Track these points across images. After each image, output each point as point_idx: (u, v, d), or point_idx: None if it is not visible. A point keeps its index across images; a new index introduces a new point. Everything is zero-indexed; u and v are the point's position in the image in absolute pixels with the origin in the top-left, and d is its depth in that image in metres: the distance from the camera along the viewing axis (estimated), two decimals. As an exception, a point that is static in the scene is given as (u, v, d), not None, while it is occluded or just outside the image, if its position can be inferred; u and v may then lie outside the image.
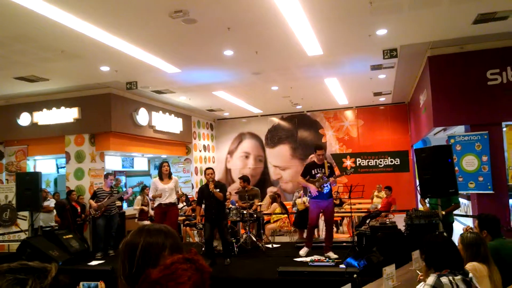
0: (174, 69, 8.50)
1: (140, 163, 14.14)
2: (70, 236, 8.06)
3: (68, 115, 10.11)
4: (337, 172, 7.43)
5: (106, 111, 9.93)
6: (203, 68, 8.74)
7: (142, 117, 10.91)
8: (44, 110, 10.31)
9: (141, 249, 1.33)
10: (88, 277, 5.98)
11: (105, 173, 9.16)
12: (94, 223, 8.48)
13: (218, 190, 6.92)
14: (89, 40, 6.63)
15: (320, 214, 6.98)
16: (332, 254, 6.55)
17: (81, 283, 3.15)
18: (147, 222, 9.18)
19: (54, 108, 10.24)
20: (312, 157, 14.47)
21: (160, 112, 11.91)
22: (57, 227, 8.77)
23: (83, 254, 7.94)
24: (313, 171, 6.68)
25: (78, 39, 6.59)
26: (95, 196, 8.37)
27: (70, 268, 7.10)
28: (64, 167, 10.89)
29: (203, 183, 8.43)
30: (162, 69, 8.45)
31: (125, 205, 11.64)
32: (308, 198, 7.51)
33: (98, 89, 9.91)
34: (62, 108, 10.17)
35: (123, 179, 13.67)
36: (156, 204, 7.60)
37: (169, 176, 7.68)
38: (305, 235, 8.94)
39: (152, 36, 6.73)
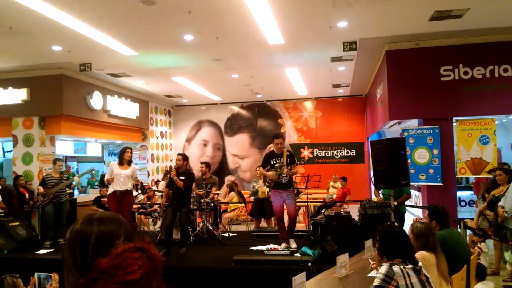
0: (131, 52, 8.21)
1: (94, 149, 13.67)
2: (17, 223, 7.68)
3: (16, 96, 9.56)
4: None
5: (58, 93, 9.47)
6: (162, 52, 8.50)
7: (96, 100, 10.50)
8: (-10, 90, 9.71)
9: (95, 238, 1.26)
10: (36, 266, 5.72)
11: (54, 158, 8.76)
12: (42, 210, 8.11)
13: (182, 178, 6.86)
14: (39, 17, 6.25)
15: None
16: (292, 243, 6.55)
17: (36, 274, 2.97)
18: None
19: (0, 88, 9.66)
20: (271, 147, 14.57)
21: (116, 96, 11.51)
22: (2, 214, 8.33)
23: (30, 242, 7.59)
24: (271, 161, 6.62)
25: (28, 16, 6.21)
26: (44, 182, 7.99)
27: (17, 257, 6.77)
28: (11, 151, 10.33)
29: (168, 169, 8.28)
30: (119, 51, 8.13)
31: (76, 192, 11.25)
32: (268, 189, 7.56)
33: (49, 70, 9.43)
34: (10, 88, 9.60)
35: (74, 165, 13.19)
36: (110, 190, 7.32)
37: (129, 163, 7.45)
38: (261, 224, 8.99)
39: (109, 16, 6.45)
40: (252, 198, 9.40)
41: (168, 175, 7.33)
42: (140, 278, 0.89)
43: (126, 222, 1.37)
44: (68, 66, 9.23)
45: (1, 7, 5.87)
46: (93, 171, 9.20)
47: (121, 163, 7.35)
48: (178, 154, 7.28)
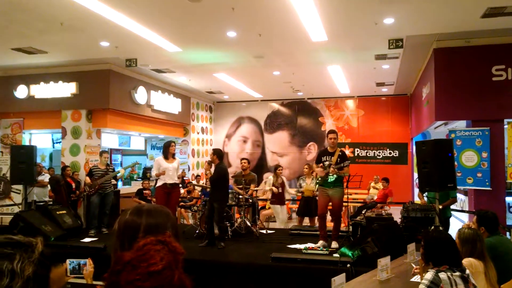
0: (175, 48, 8.35)
1: (137, 142, 14.05)
2: (64, 212, 8.00)
3: (65, 89, 9.97)
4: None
5: (104, 88, 9.79)
6: (205, 49, 8.59)
7: (140, 95, 10.78)
8: (42, 83, 10.15)
9: (144, 230, 1.30)
10: (80, 254, 5.95)
11: (100, 150, 9.06)
12: (88, 200, 8.42)
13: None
14: (89, 13, 6.47)
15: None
16: (334, 244, 6.45)
17: (67, 260, 3.08)
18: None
19: (51, 82, 10.09)
20: (311, 145, 14.45)
21: (159, 91, 11.77)
22: (51, 202, 8.71)
23: (76, 230, 7.89)
24: (322, 158, 6.55)
25: (78, 12, 6.43)
26: (91, 173, 8.30)
27: (63, 244, 7.06)
28: (59, 142, 10.79)
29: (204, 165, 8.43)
30: (163, 48, 8.29)
31: (120, 183, 11.61)
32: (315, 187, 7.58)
33: (97, 65, 9.75)
34: (60, 82, 10.01)
35: (118, 157, 13.61)
36: (159, 183, 7.49)
37: (173, 156, 7.64)
38: (304, 223, 8.90)
39: (155, 13, 6.58)
40: (294, 196, 9.26)
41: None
42: (163, 269, 0.92)
43: (173, 215, 1.40)
44: (114, 61, 9.51)
45: (53, 3, 6.11)
46: (136, 165, 9.43)
47: (166, 157, 7.53)
48: (212, 149, 7.44)
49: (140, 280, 0.90)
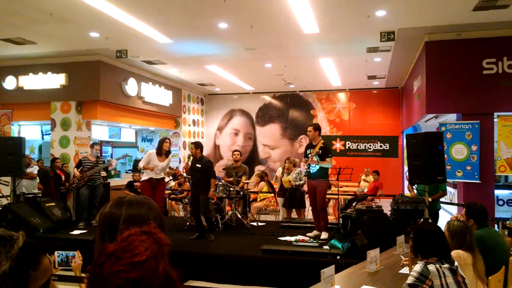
0: (166, 40, 8.27)
1: (128, 135, 13.95)
2: (53, 204, 7.93)
3: (54, 81, 9.84)
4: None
5: (95, 79, 9.68)
6: (196, 40, 8.52)
7: (131, 87, 10.68)
8: (30, 74, 10.01)
9: (124, 221, 1.27)
10: (69, 246, 5.91)
11: (91, 142, 8.98)
12: (77, 192, 8.35)
13: (199, 166, 6.90)
14: (79, 4, 6.37)
15: None
16: (323, 235, 6.52)
17: (56, 252, 3.05)
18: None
19: (40, 73, 9.95)
20: (302, 138, 14.46)
21: (150, 83, 11.67)
22: (40, 194, 8.63)
23: (65, 223, 7.83)
24: (308, 150, 6.66)
25: (68, 2, 6.34)
26: (80, 165, 8.21)
27: (51, 236, 7.01)
28: (49, 134, 10.67)
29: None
30: (154, 39, 8.21)
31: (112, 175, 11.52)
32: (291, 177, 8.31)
33: (86, 56, 9.64)
34: (49, 73, 9.88)
35: (109, 149, 13.50)
36: (145, 177, 7.44)
37: (167, 153, 7.54)
38: (293, 215, 8.94)
39: (146, 4, 6.50)
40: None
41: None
42: (147, 260, 0.90)
43: (156, 206, 1.36)
44: (105, 52, 9.40)
45: (42, -7, 6.00)
46: (126, 157, 9.35)
47: (159, 154, 7.44)
48: (191, 143, 7.26)
49: (123, 271, 0.88)
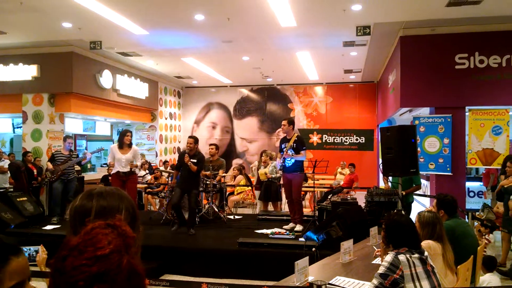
0: (141, 31, 8.14)
1: (103, 128, 13.70)
2: (25, 198, 7.76)
3: (26, 72, 9.56)
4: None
5: (68, 71, 9.45)
6: (173, 32, 8.41)
7: (106, 79, 10.47)
8: (1, 65, 9.70)
9: (95, 213, 1.24)
10: (42, 241, 5.78)
11: (64, 135, 8.79)
12: (50, 187, 8.17)
13: (195, 161, 6.86)
14: (49, -8, 6.20)
15: None
16: (298, 227, 6.58)
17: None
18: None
19: (11, 64, 9.65)
20: (280, 131, 14.50)
21: (125, 75, 11.47)
22: (11, 189, 8.41)
23: (38, 217, 7.68)
24: (282, 145, 6.69)
25: (38, -10, 6.15)
26: (53, 159, 8.03)
27: (23, 231, 6.85)
28: (20, 127, 10.39)
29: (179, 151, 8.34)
30: (129, 30, 8.06)
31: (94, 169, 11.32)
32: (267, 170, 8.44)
33: (59, 47, 9.39)
34: (20, 64, 9.59)
35: (83, 143, 13.24)
36: (114, 171, 7.34)
37: (129, 146, 7.41)
38: (270, 208, 9.00)
39: (119, -7, 6.37)
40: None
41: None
42: (110, 253, 0.87)
43: (128, 196, 1.34)
44: (78, 43, 9.19)
45: (11, -19, 5.81)
46: (101, 150, 9.18)
47: (120, 147, 7.33)
48: (189, 137, 7.20)
49: (86, 265, 0.86)
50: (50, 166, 7.91)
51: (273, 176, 8.52)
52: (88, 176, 10.83)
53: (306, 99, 14.48)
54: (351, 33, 8.09)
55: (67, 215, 7.87)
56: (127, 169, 7.21)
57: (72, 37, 8.69)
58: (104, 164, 13.16)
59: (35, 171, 8.98)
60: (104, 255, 0.87)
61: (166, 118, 14.21)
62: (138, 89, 12.08)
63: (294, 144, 6.50)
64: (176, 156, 13.71)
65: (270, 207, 8.89)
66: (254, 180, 9.53)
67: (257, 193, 9.19)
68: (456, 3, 6.65)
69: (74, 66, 9.48)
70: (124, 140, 7.31)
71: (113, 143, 14.55)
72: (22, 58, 9.60)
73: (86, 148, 13.02)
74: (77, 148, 12.36)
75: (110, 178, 9.48)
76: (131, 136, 7.49)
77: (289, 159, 6.47)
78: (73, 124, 11.86)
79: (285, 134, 6.76)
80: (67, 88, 9.48)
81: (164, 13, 7.23)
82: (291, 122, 6.75)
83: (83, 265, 0.86)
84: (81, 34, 8.43)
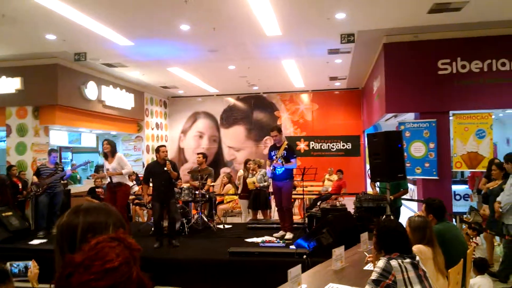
0: (126, 42, 8.11)
1: (88, 140, 13.56)
2: (10, 213, 7.60)
3: (9, 85, 9.44)
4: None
5: (52, 83, 9.36)
6: (158, 43, 8.40)
7: (91, 91, 10.39)
8: (-17, 78, 9.57)
9: (82, 230, 1.22)
10: (28, 257, 5.66)
11: (49, 148, 8.67)
12: (36, 201, 8.04)
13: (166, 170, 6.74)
14: (33, 5, 6.15)
15: None
16: (288, 235, 6.57)
17: (8, 263, 2.91)
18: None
19: (-6, 77, 9.53)
20: (267, 139, 14.53)
21: (111, 86, 11.39)
22: (-5, 204, 8.24)
23: (23, 232, 7.52)
24: (272, 152, 6.69)
25: (21, 3, 6.10)
26: (38, 172, 7.92)
27: (9, 247, 6.71)
28: (4, 140, 10.22)
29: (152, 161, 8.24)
30: (114, 41, 8.03)
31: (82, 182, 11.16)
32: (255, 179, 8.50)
33: (43, 59, 9.30)
34: (3, 77, 9.47)
35: (69, 155, 13.08)
36: (106, 182, 7.38)
37: (112, 154, 7.32)
38: (259, 216, 8.98)
39: (104, 5, 6.35)
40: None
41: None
42: (119, 266, 0.86)
43: (116, 211, 1.33)
44: (62, 55, 9.11)
45: (-6, -7, 5.76)
46: (88, 163, 9.06)
47: (105, 156, 7.42)
48: (161, 146, 6.98)
49: (94, 280, 0.83)
50: (36, 179, 7.80)
51: (261, 184, 8.51)
52: (74, 189, 10.68)
53: (293, 106, 14.56)
54: (336, 41, 8.19)
55: (54, 229, 7.75)
56: (117, 179, 7.15)
57: (56, 49, 8.62)
58: (90, 176, 13.01)
59: (20, 185, 8.82)
60: (113, 268, 0.85)
61: (152, 129, 14.14)
62: (123, 100, 12.01)
63: (285, 152, 6.50)
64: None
65: (260, 216, 8.86)
66: (239, 188, 9.48)
67: (242, 202, 9.13)
68: (437, 10, 6.79)
69: (59, 78, 9.40)
70: (103, 149, 7.34)
71: (99, 154, 14.44)
72: (5, 71, 9.48)
73: (71, 160, 12.87)
74: (62, 160, 12.20)
75: (98, 190, 9.40)
76: (109, 144, 7.32)
77: (279, 167, 6.47)
78: (58, 137, 11.72)
79: (274, 142, 6.77)
80: (51, 100, 9.38)
81: (149, 23, 7.23)
82: (280, 129, 6.80)
83: (91, 280, 0.83)
84: (66, 45, 8.37)
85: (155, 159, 7.29)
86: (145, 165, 7.44)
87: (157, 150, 6.94)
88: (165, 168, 6.67)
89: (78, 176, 13.10)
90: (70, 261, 0.89)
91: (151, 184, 7.05)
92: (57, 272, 1.30)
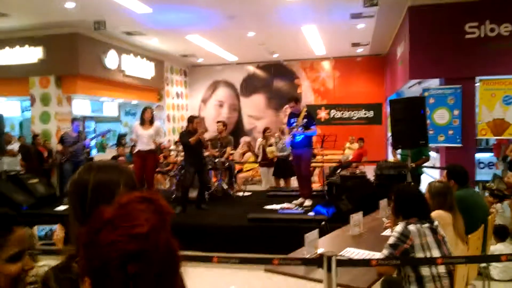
0: (144, 8, 8.03)
1: (110, 109, 13.73)
2: (36, 180, 7.85)
3: (32, 54, 9.54)
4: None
5: (73, 52, 9.41)
6: (176, 9, 8.29)
7: (111, 60, 10.42)
8: (7, 48, 9.69)
9: (92, 187, 1.22)
10: (54, 221, 5.87)
11: (72, 118, 8.82)
12: (61, 168, 8.26)
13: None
14: (50, -28, 6.11)
15: None
16: (307, 202, 6.59)
17: (35, 227, 3.01)
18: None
19: (17, 47, 9.63)
20: (287, 107, 14.38)
21: (131, 55, 11.39)
22: (22, 172, 8.51)
23: (49, 199, 7.78)
24: (292, 119, 6.64)
25: (38, -30, 6.07)
26: (62, 141, 8.10)
27: (36, 212, 6.96)
28: (29, 110, 10.44)
29: (182, 130, 8.39)
30: (132, 9, 7.96)
31: (95, 151, 11.39)
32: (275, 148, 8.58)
33: (64, 28, 9.32)
34: (26, 47, 9.57)
35: (92, 124, 13.30)
36: (135, 150, 7.44)
37: (151, 122, 7.40)
38: (282, 183, 9.01)
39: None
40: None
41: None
42: (148, 232, 0.82)
43: (129, 170, 1.32)
44: (82, 24, 9.11)
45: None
46: (109, 132, 9.17)
47: (142, 123, 7.34)
48: (196, 117, 7.34)
49: (122, 242, 0.81)
50: (60, 148, 7.97)
51: (280, 154, 8.47)
52: (98, 156, 10.91)
53: (313, 74, 14.32)
54: (359, 4, 7.90)
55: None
56: (149, 147, 7.20)
57: (76, 18, 8.62)
58: (113, 144, 13.25)
59: (45, 153, 9.06)
60: (141, 233, 0.82)
61: (173, 98, 14.18)
62: (144, 69, 12.02)
63: (305, 120, 6.43)
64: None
65: (282, 184, 8.89)
66: (260, 157, 9.48)
67: (263, 169, 9.15)
68: (466, -31, 6.46)
69: (79, 47, 9.44)
70: (144, 117, 7.31)
71: (121, 124, 14.65)
72: (27, 41, 9.57)
73: (94, 130, 13.09)
74: (85, 129, 12.43)
75: (120, 159, 9.58)
76: (151, 113, 7.47)
77: (299, 134, 6.41)
78: (81, 106, 11.90)
79: (292, 111, 6.69)
80: (73, 70, 9.46)
81: (167, -11, 7.12)
82: (298, 99, 6.76)
83: (119, 242, 0.81)
84: (85, 14, 8.35)
85: (175, 128, 7.44)
86: (180, 134, 7.56)
87: (191, 120, 7.14)
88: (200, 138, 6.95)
89: (105, 143, 13.32)
90: (99, 216, 0.86)
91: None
92: (71, 232, 1.31)
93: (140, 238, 0.81)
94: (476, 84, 7.83)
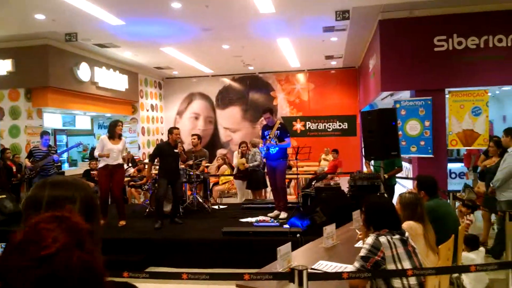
0: (117, 21, 7.96)
1: (83, 122, 13.47)
2: (4, 196, 7.56)
3: (1, 67, 9.30)
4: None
5: (43, 64, 9.22)
6: (149, 22, 8.25)
7: (83, 72, 10.25)
8: (-26, 61, 9.42)
9: (46, 204, 1.16)
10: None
11: (41, 131, 8.59)
12: (30, 184, 8.00)
13: (176, 151, 6.94)
14: (19, -17, 6.00)
15: None
16: (283, 214, 6.58)
17: (1, 245, 2.88)
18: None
19: (-16, 60, 9.38)
20: (263, 120, 14.40)
21: (104, 67, 11.24)
22: (-11, 187, 8.22)
23: (18, 215, 7.50)
24: (265, 132, 6.65)
25: (6, -19, 5.95)
26: (31, 155, 7.86)
27: (4, 229, 6.70)
28: (-3, 123, 10.13)
29: (162, 141, 8.25)
30: (105, 21, 7.88)
31: (66, 165, 11.12)
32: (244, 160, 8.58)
33: (34, 40, 9.14)
34: (-6, 59, 9.33)
35: (63, 138, 13.00)
36: (101, 164, 7.09)
37: (119, 136, 7.20)
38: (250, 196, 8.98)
39: (91, -18, 6.20)
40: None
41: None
42: (57, 252, 0.77)
43: (87, 186, 1.27)
44: (53, 36, 8.95)
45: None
46: (80, 145, 8.95)
47: (112, 137, 7.05)
48: (176, 128, 7.22)
49: (32, 267, 0.75)
50: (28, 163, 7.74)
51: (251, 164, 8.42)
52: (69, 171, 10.65)
53: (288, 86, 14.44)
54: (331, 18, 8.04)
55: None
56: (117, 161, 6.97)
57: (46, 29, 8.47)
58: (85, 159, 12.97)
59: (14, 168, 8.78)
60: (49, 254, 0.77)
61: (147, 110, 14.04)
62: (117, 81, 11.87)
63: (278, 132, 6.45)
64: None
65: (253, 196, 8.85)
66: (235, 169, 9.46)
67: (238, 182, 9.10)
68: (433, -15, 6.65)
69: (50, 59, 9.26)
70: (116, 130, 6.99)
71: (94, 137, 14.37)
72: (-5, 53, 9.33)
73: (66, 144, 12.80)
74: (57, 143, 12.14)
75: (93, 173, 9.35)
76: (122, 127, 7.27)
77: (273, 147, 6.42)
78: (52, 119, 11.63)
79: (267, 123, 6.70)
80: (43, 82, 9.26)
81: (140, 1, 7.07)
82: (272, 110, 6.77)
83: (28, 267, 0.76)
84: (56, 26, 8.22)
85: (150, 141, 7.31)
86: (156, 145, 7.53)
87: (171, 132, 7.08)
88: (176, 150, 6.87)
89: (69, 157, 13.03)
90: (12, 240, 0.80)
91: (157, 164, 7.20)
92: None
93: (49, 260, 0.76)
94: (446, 96, 8.03)
